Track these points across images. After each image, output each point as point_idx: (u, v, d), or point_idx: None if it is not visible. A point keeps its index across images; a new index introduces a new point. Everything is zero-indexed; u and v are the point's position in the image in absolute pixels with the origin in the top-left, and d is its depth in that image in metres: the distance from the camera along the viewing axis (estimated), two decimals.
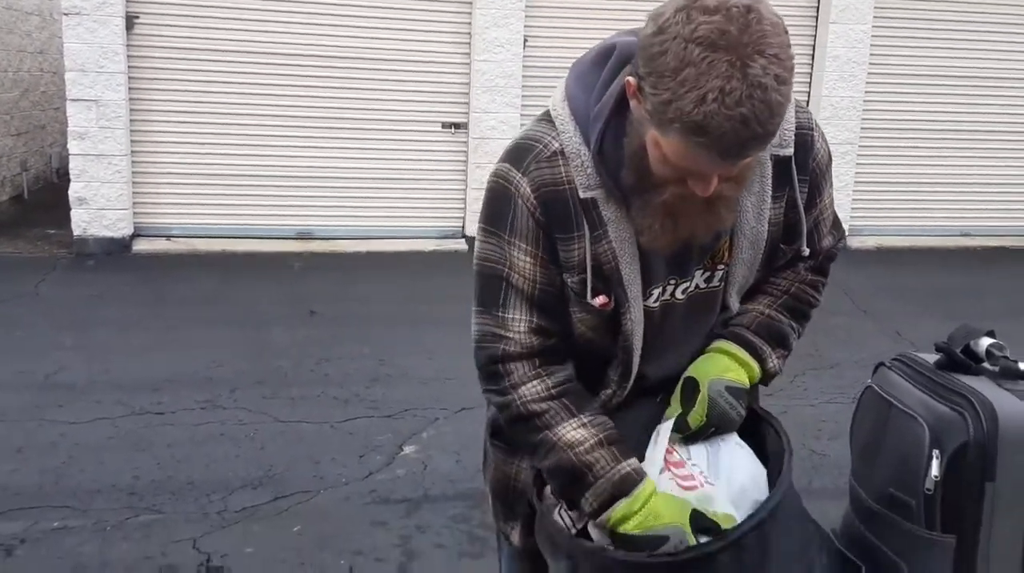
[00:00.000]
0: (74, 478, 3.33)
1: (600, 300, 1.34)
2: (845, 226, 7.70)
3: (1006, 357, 1.37)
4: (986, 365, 1.40)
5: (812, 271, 1.54)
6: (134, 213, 6.62)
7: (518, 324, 1.36)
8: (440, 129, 7.03)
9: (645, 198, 1.27)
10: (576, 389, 1.40)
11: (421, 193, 7.10)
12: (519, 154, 1.35)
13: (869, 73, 7.47)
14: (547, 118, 1.37)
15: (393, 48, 6.80)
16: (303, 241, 6.84)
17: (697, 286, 1.43)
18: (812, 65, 7.46)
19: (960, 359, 1.40)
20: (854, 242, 7.50)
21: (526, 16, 6.88)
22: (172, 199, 6.71)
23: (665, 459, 1.38)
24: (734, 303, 1.47)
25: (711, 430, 1.41)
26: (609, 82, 1.29)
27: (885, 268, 6.93)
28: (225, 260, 6.42)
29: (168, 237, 6.69)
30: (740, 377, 1.44)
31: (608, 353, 1.42)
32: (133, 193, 6.60)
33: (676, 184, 1.23)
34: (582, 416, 1.37)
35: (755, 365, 1.46)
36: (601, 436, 1.35)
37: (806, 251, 1.45)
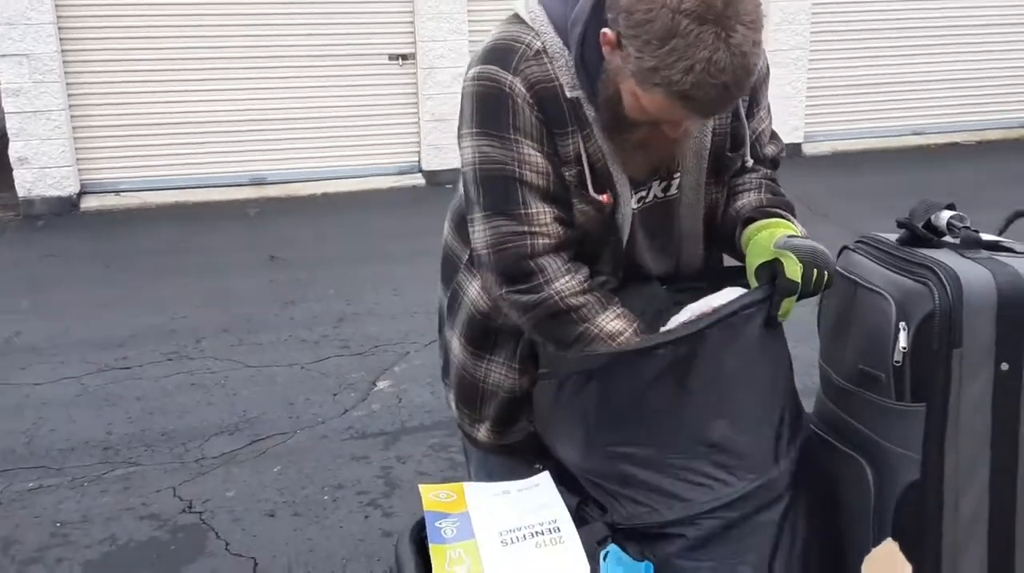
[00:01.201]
0: (45, 438, 3.29)
1: (605, 196, 1.37)
2: (799, 133, 7.79)
3: (967, 227, 1.38)
4: (947, 238, 1.41)
5: (764, 174, 1.55)
6: (79, 170, 6.43)
7: (543, 216, 1.37)
8: (387, 61, 6.87)
9: (621, 137, 1.33)
10: (598, 283, 1.43)
11: (374, 129, 6.96)
12: (503, 54, 1.35)
13: None
14: (518, 20, 1.37)
15: None
16: (257, 187, 6.71)
17: (655, 196, 1.45)
18: None
19: (922, 233, 1.40)
20: (809, 149, 7.51)
21: None
22: (118, 153, 6.51)
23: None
24: (686, 215, 1.48)
25: (816, 276, 1.31)
26: None
27: (841, 172, 6.97)
28: (178, 212, 6.28)
29: (117, 192, 6.51)
30: (788, 230, 1.38)
31: (596, 248, 1.44)
32: (76, 149, 6.39)
33: (648, 126, 1.30)
34: (614, 308, 1.40)
35: (786, 223, 1.41)
36: (636, 325, 1.39)
37: (750, 162, 1.48)
